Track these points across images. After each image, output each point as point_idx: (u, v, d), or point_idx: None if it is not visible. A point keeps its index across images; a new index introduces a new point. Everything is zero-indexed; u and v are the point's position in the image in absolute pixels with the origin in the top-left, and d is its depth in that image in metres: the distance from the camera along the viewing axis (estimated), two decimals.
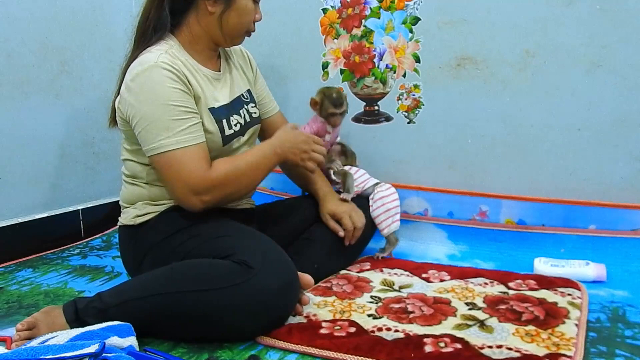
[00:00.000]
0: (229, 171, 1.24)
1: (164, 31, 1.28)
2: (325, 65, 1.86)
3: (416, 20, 1.69)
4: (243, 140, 1.38)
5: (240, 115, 1.37)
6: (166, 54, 1.23)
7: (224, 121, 1.30)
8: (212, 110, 1.28)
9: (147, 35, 1.28)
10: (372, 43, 1.77)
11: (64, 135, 1.88)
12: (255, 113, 1.44)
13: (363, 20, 1.77)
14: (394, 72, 1.76)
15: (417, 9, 1.69)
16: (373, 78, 1.79)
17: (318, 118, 1.62)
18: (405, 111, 1.76)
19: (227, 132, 1.30)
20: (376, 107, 1.81)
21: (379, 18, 1.75)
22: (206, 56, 1.34)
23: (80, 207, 1.92)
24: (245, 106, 1.41)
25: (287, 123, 1.59)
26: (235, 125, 1.34)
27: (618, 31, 1.46)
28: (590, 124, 1.53)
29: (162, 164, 1.19)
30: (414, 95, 1.74)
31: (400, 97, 1.76)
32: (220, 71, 1.37)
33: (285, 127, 1.38)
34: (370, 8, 1.75)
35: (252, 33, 1.36)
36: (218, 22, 1.29)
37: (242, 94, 1.41)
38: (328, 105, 1.57)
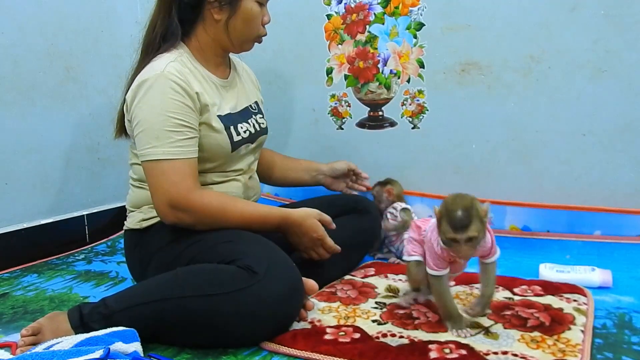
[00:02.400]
0: (214, 206, 1.22)
1: (174, 40, 1.29)
2: (329, 71, 1.87)
3: (420, 25, 1.70)
4: (251, 148, 1.40)
5: (250, 124, 1.38)
6: (175, 62, 1.25)
7: (232, 128, 1.31)
8: (220, 117, 1.29)
9: (154, 45, 1.29)
10: (376, 49, 1.78)
11: (69, 140, 1.89)
12: (263, 124, 1.47)
13: (367, 26, 1.78)
14: (398, 78, 1.76)
15: (421, 15, 1.69)
16: (377, 83, 1.79)
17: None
18: (410, 116, 1.76)
19: (236, 138, 1.31)
20: (380, 113, 1.81)
21: (383, 24, 1.75)
22: (215, 63, 1.36)
23: (85, 213, 1.92)
24: (254, 116, 1.43)
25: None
26: (245, 132, 1.35)
27: (623, 36, 1.46)
28: (595, 129, 1.52)
29: (147, 171, 1.21)
30: (418, 100, 1.74)
31: (405, 102, 1.76)
32: (228, 79, 1.39)
33: (311, 212, 1.30)
34: (375, 14, 1.76)
35: (262, 38, 1.37)
36: (225, 29, 1.30)
37: (250, 105, 1.44)
38: (446, 227, 1.03)
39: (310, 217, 1.28)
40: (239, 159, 1.36)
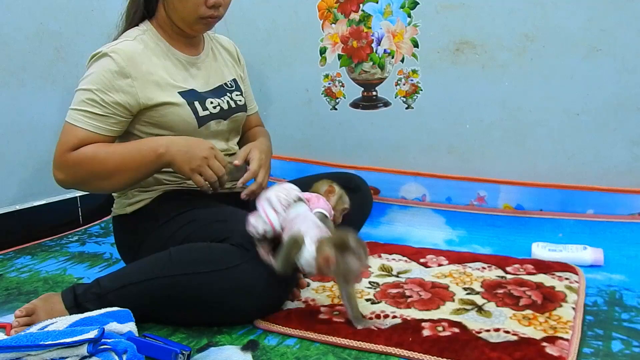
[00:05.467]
0: (88, 155, 1.18)
1: (141, 15, 1.33)
2: (322, 51, 1.85)
3: (414, 4, 1.68)
4: (224, 125, 1.38)
5: (222, 100, 1.37)
6: (135, 40, 1.28)
7: (197, 103, 1.30)
8: (181, 93, 1.28)
9: (129, 16, 1.35)
10: (370, 28, 1.76)
11: (60, 122, 1.84)
12: (240, 101, 1.44)
13: (361, 5, 1.76)
14: (392, 57, 1.75)
15: None
16: (371, 63, 1.78)
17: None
18: (404, 96, 1.76)
19: (202, 113, 1.30)
20: (374, 93, 1.80)
21: (377, 2, 1.73)
22: (182, 42, 1.36)
23: (78, 195, 1.91)
24: (229, 94, 1.41)
25: (262, 126, 1.60)
26: (215, 108, 1.34)
27: (617, 15, 1.45)
28: (589, 108, 1.52)
29: None
30: (412, 80, 1.73)
31: (399, 82, 1.75)
32: (199, 57, 1.38)
33: (198, 139, 1.22)
34: None
35: (212, 18, 1.29)
36: (164, 7, 1.30)
37: (225, 83, 1.43)
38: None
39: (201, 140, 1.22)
40: (210, 136, 1.34)
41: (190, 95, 1.30)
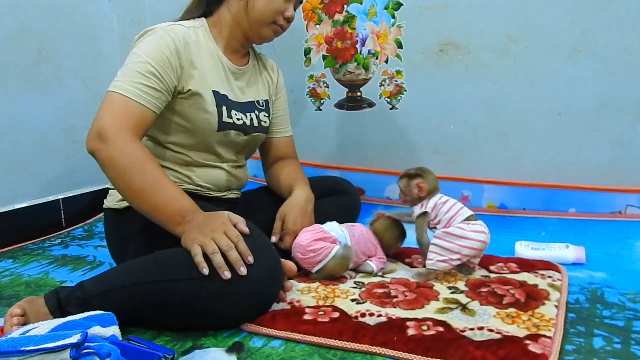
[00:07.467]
0: (132, 156, 1.11)
1: (200, 13, 1.35)
2: (307, 52, 1.85)
3: (398, 5, 1.69)
4: (243, 139, 1.38)
5: (247, 117, 1.37)
6: (189, 29, 1.28)
7: (224, 107, 1.31)
8: (214, 92, 1.29)
9: (189, 11, 1.37)
10: (354, 29, 1.77)
11: (43, 123, 1.85)
12: (265, 122, 1.44)
13: (345, 6, 1.76)
14: (377, 58, 1.75)
15: None
16: (355, 64, 1.79)
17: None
18: (388, 97, 1.76)
19: (225, 118, 1.31)
20: (359, 93, 1.80)
21: (361, 3, 1.74)
22: (232, 48, 1.37)
23: (60, 197, 1.89)
24: (257, 112, 1.41)
25: (293, 155, 1.56)
26: (238, 120, 1.34)
27: (599, 16, 1.47)
28: (571, 108, 1.54)
29: (103, 100, 1.17)
30: (396, 81, 1.74)
31: (383, 83, 1.76)
32: (242, 68, 1.39)
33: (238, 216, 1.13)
34: None
35: (281, 29, 1.36)
36: (245, 5, 1.31)
37: (257, 100, 1.43)
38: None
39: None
40: (225, 145, 1.34)
41: (220, 99, 1.30)
